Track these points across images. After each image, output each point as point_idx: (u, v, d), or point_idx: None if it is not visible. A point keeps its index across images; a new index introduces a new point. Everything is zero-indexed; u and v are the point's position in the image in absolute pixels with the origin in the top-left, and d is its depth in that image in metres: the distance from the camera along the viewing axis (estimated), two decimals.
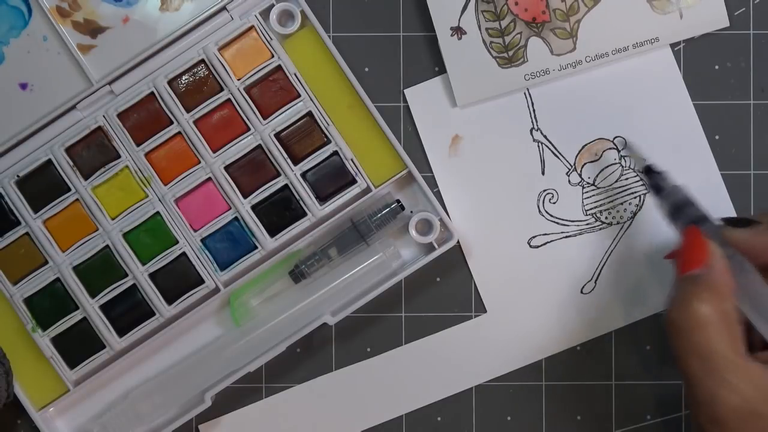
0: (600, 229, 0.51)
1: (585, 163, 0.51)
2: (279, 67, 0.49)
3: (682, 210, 0.44)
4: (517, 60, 0.50)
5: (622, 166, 0.51)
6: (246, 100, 0.49)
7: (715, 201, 0.51)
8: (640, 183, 0.51)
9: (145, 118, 0.49)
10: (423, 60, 0.51)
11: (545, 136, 0.51)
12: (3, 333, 0.50)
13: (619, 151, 0.51)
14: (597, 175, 0.51)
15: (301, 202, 0.49)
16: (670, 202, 0.44)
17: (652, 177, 0.46)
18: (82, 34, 0.49)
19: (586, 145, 0.51)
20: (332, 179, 0.49)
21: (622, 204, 0.51)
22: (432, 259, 0.49)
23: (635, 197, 0.51)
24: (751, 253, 0.41)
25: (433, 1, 0.50)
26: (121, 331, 0.49)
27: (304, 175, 0.49)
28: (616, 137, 0.51)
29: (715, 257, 0.41)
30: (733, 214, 0.51)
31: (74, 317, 0.49)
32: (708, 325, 0.38)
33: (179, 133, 0.49)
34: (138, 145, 0.49)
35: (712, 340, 0.38)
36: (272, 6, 0.49)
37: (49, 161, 0.49)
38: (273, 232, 0.49)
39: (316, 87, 0.49)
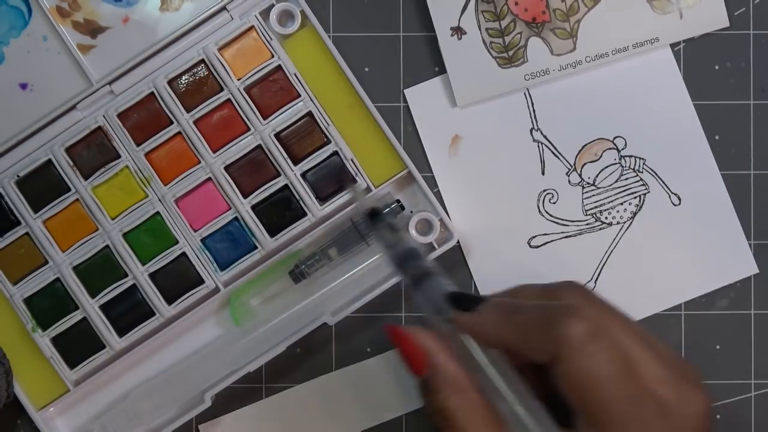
0: (600, 229, 0.51)
1: (585, 163, 0.51)
2: (279, 67, 0.49)
3: (406, 263, 0.38)
4: (517, 60, 0.50)
5: (622, 166, 0.51)
6: (246, 100, 0.49)
7: (715, 201, 0.51)
8: (640, 183, 0.51)
9: (145, 118, 0.49)
10: (423, 60, 0.51)
11: (545, 136, 0.51)
12: (3, 333, 0.50)
13: (619, 151, 0.51)
14: (597, 175, 0.51)
15: (301, 202, 0.49)
16: (393, 255, 0.38)
17: (377, 223, 0.40)
18: (82, 34, 0.49)
19: (586, 145, 0.51)
20: (332, 179, 0.49)
21: (622, 204, 0.51)
22: (432, 259, 0.49)
23: (635, 197, 0.51)
24: (481, 337, 0.36)
25: (433, 1, 0.50)
26: (121, 331, 0.49)
27: (304, 175, 0.49)
28: (616, 137, 0.51)
29: (436, 357, 0.37)
30: (733, 214, 0.50)
31: (74, 317, 0.49)
32: (460, 420, 0.36)
33: (179, 133, 0.49)
34: (138, 145, 0.49)
35: None
36: (272, 6, 0.49)
37: (49, 161, 0.49)
38: (273, 232, 0.49)
39: (316, 87, 0.49)
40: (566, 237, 0.51)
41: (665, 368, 0.33)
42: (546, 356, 0.34)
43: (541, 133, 0.51)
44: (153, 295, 0.49)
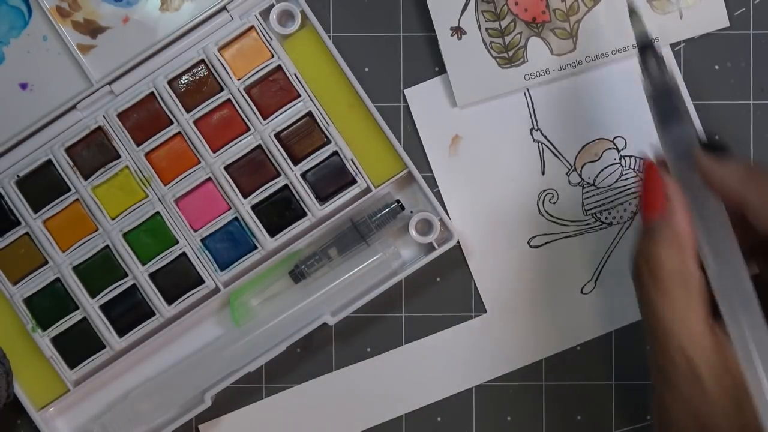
0: (600, 229, 0.51)
1: (585, 163, 0.51)
2: (279, 67, 0.49)
3: (661, 101, 0.39)
4: (517, 60, 0.50)
5: (622, 166, 0.51)
6: (246, 100, 0.49)
7: None
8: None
9: (145, 118, 0.49)
10: (423, 60, 0.51)
11: (545, 136, 0.51)
12: (3, 333, 0.50)
13: (619, 151, 0.51)
14: (597, 175, 0.51)
15: (301, 202, 0.49)
16: (651, 87, 0.40)
17: (647, 54, 0.41)
18: (82, 34, 0.49)
19: (586, 145, 0.51)
20: (332, 179, 0.49)
21: (622, 204, 0.51)
22: (432, 259, 0.49)
23: (635, 197, 0.51)
24: (721, 187, 0.37)
25: (433, 1, 0.50)
26: (121, 331, 0.49)
27: (304, 175, 0.49)
28: (616, 137, 0.51)
29: (676, 204, 0.37)
30: None
31: (74, 317, 0.49)
32: (666, 281, 0.36)
33: (179, 133, 0.49)
34: (138, 145, 0.49)
35: (666, 300, 0.36)
36: (272, 6, 0.49)
37: (49, 161, 0.49)
38: (273, 232, 0.49)
39: (316, 87, 0.49)
40: (566, 237, 0.51)
41: None
42: None
43: (541, 133, 0.51)
44: (153, 295, 0.49)
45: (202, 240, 0.49)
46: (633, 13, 0.43)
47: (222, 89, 0.49)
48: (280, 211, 0.49)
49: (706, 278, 0.37)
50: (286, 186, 0.49)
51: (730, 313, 0.36)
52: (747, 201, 0.36)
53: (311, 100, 0.49)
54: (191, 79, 0.49)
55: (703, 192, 0.37)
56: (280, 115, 0.49)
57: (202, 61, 0.49)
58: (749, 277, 0.37)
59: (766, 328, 0.36)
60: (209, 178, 0.49)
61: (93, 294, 0.49)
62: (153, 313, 0.49)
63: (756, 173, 0.37)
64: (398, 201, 0.49)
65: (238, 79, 0.49)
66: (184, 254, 0.49)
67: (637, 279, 0.38)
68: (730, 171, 0.37)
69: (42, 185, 0.49)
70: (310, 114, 0.49)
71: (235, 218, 0.49)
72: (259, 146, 0.49)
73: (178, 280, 0.49)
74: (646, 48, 0.41)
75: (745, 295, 0.36)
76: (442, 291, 0.51)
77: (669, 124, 0.38)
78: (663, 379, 0.37)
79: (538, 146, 0.51)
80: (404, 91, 0.51)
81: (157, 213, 0.49)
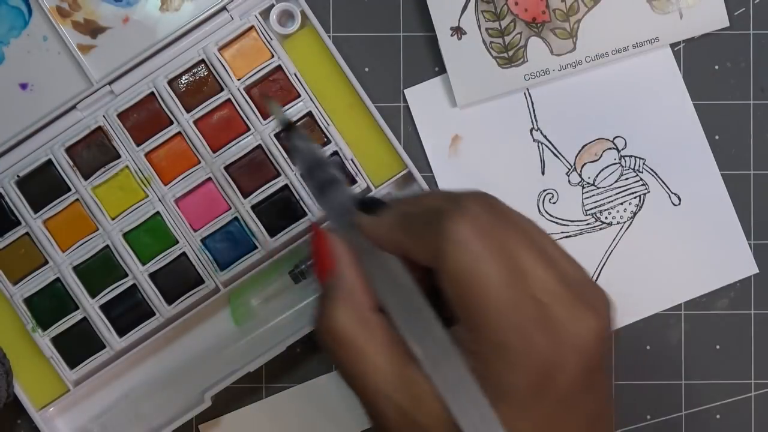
0: (600, 229, 0.51)
1: (585, 163, 0.51)
2: (279, 67, 0.49)
3: (316, 172, 0.39)
4: (517, 60, 0.50)
5: (622, 166, 0.51)
6: (246, 100, 0.49)
7: (715, 201, 0.51)
8: (640, 183, 0.51)
9: (145, 118, 0.49)
10: (423, 60, 0.51)
11: (545, 136, 0.51)
12: (3, 333, 0.50)
13: (619, 151, 0.51)
14: (597, 175, 0.51)
15: (301, 202, 0.49)
16: (304, 161, 0.39)
17: (292, 135, 0.40)
18: (82, 34, 0.49)
19: (586, 145, 0.51)
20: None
21: (622, 204, 0.51)
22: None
23: (635, 197, 0.51)
24: (378, 240, 0.36)
25: (433, 1, 0.50)
26: (121, 331, 0.49)
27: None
28: (616, 137, 0.51)
29: (343, 263, 0.36)
30: (733, 214, 0.50)
31: (74, 317, 0.49)
32: (348, 339, 0.34)
33: (179, 133, 0.49)
34: (138, 145, 0.49)
35: (354, 357, 0.34)
36: (272, 6, 0.49)
37: (49, 161, 0.49)
38: (273, 232, 0.49)
39: (316, 87, 0.49)
40: (566, 237, 0.51)
41: (558, 283, 0.32)
42: (430, 256, 0.33)
43: (541, 133, 0.51)
44: (153, 295, 0.49)
45: (202, 240, 0.49)
46: (269, 99, 0.46)
47: (222, 89, 0.49)
48: (280, 211, 0.49)
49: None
50: (286, 186, 0.49)
51: (418, 352, 0.34)
52: (401, 244, 0.35)
53: (311, 100, 0.49)
54: (191, 79, 0.49)
55: (368, 247, 0.36)
56: None
57: (202, 61, 0.49)
58: (434, 317, 0.34)
59: (456, 359, 0.33)
60: (209, 178, 0.49)
61: (93, 294, 0.49)
62: (153, 313, 0.49)
63: (402, 212, 0.36)
64: None
65: (238, 79, 0.49)
66: (184, 254, 0.49)
67: (322, 343, 0.36)
68: (383, 224, 0.36)
69: (42, 185, 0.49)
70: (310, 114, 0.49)
71: (235, 218, 0.49)
72: (259, 146, 0.49)
73: (178, 280, 0.49)
74: (290, 129, 0.41)
75: (431, 333, 0.34)
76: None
77: (327, 192, 0.38)
78: (379, 429, 0.36)
79: (538, 146, 0.51)
80: (404, 91, 0.51)
81: (157, 213, 0.49)
